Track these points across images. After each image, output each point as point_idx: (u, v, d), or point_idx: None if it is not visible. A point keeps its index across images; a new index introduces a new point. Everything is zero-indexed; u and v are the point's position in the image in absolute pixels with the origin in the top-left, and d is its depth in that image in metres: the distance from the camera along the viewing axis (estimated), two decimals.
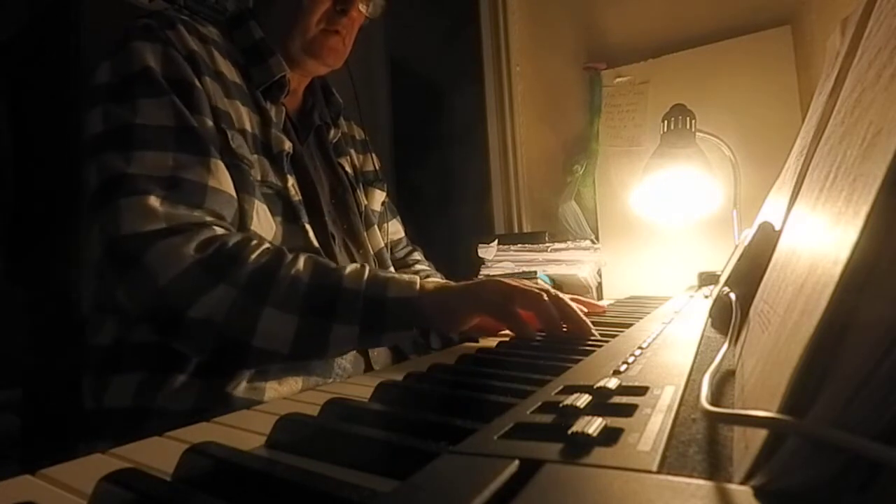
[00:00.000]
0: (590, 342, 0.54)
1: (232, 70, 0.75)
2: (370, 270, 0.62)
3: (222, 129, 0.68)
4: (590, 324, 0.60)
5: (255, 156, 0.72)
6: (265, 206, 0.70)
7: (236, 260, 0.59)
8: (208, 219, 0.62)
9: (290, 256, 0.61)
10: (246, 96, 0.75)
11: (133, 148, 0.61)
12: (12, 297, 0.85)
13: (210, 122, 0.67)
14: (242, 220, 0.67)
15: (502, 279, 0.63)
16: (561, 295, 0.62)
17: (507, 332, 0.63)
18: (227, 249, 0.60)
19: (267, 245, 0.63)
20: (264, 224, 0.69)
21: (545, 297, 0.60)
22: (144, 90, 0.64)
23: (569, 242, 1.29)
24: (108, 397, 0.64)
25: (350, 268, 0.62)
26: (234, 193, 0.66)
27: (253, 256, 0.60)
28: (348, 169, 0.94)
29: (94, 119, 0.64)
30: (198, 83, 0.67)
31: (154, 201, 0.59)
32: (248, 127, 0.72)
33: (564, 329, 0.59)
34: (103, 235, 0.60)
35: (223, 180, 0.65)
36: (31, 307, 0.86)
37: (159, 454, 0.27)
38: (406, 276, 0.63)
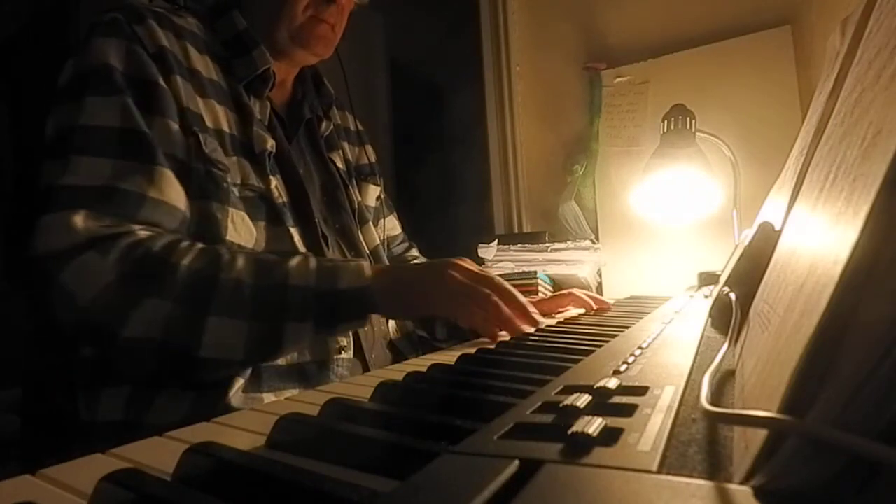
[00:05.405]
0: (590, 342, 0.53)
1: (210, 66, 0.71)
2: (315, 261, 0.60)
3: (194, 132, 0.64)
4: (533, 315, 0.59)
5: (234, 157, 0.68)
6: (243, 213, 0.67)
7: (166, 267, 0.55)
8: (136, 227, 0.57)
9: (227, 256, 0.58)
10: (224, 93, 0.71)
11: (70, 152, 0.58)
12: (12, 297, 0.85)
13: (175, 125, 0.63)
14: (216, 231, 0.64)
15: (456, 265, 0.61)
16: (505, 284, 0.61)
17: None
18: (154, 255, 0.56)
19: (200, 246, 0.59)
20: (242, 232, 0.66)
21: (493, 295, 0.58)
22: (96, 88, 0.60)
23: (569, 242, 1.29)
24: (101, 411, 0.62)
25: (294, 261, 0.59)
26: (180, 205, 0.62)
27: (185, 262, 0.56)
28: (340, 164, 0.90)
29: (49, 124, 0.62)
30: (164, 83, 0.63)
31: (77, 216, 0.55)
32: (224, 127, 0.69)
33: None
34: (27, 257, 0.56)
35: (167, 190, 0.61)
36: (31, 307, 0.86)
37: (159, 454, 0.27)
38: (352, 262, 0.61)
